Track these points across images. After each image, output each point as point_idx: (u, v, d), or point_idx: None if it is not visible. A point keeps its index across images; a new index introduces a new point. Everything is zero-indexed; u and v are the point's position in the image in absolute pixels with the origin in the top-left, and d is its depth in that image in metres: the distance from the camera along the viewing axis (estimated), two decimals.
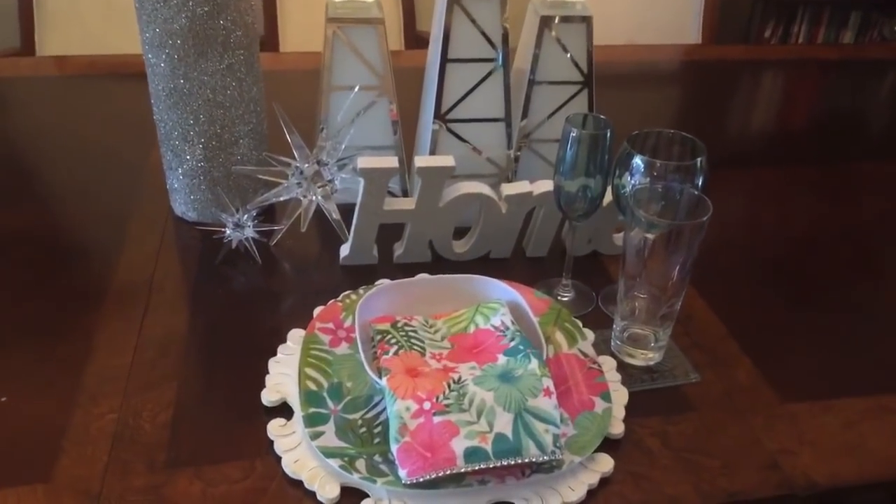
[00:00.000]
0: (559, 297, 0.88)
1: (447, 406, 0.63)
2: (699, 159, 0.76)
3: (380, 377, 0.67)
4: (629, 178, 0.78)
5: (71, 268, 0.90)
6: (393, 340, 0.71)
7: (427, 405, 0.63)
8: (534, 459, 0.62)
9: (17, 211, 1.00)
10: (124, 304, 0.84)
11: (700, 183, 0.77)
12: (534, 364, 0.67)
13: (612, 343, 0.81)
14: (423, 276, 0.88)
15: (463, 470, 0.61)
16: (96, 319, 0.82)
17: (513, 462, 0.61)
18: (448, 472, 0.60)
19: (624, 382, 0.76)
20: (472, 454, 0.61)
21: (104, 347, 0.78)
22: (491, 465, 0.61)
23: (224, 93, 0.90)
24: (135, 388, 0.74)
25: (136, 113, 1.15)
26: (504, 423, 0.62)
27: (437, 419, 0.62)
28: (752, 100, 1.54)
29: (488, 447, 0.61)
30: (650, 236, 0.73)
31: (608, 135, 0.78)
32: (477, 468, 0.61)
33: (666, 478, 0.67)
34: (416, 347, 0.70)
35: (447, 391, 0.64)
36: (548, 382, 0.65)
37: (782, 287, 0.93)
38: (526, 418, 0.63)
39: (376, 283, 0.87)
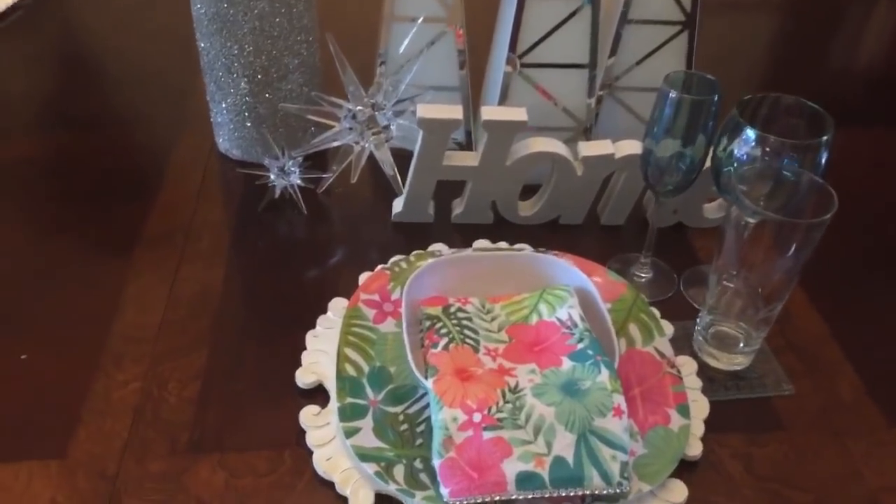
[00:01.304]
0: (636, 277, 0.77)
1: (500, 420, 0.55)
2: (825, 137, 0.63)
3: (426, 376, 0.58)
4: (735, 153, 0.66)
5: (104, 204, 0.84)
6: (444, 331, 0.62)
7: (477, 417, 0.55)
8: (596, 492, 0.53)
9: (48, 138, 0.94)
10: (158, 252, 0.78)
11: (822, 164, 0.64)
12: (604, 376, 0.57)
13: (694, 339, 0.71)
14: (481, 246, 0.78)
15: (514, 497, 0.53)
16: (127, 268, 0.76)
17: (572, 493, 0.53)
18: (496, 499, 0.53)
19: (705, 390, 0.66)
20: (525, 480, 0.53)
21: (133, 302, 0.72)
22: (546, 495, 0.53)
23: (272, 20, 0.80)
24: (162, 352, 0.68)
25: (181, 33, 1.05)
26: (565, 446, 0.54)
27: (487, 435, 0.54)
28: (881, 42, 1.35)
29: (545, 473, 0.53)
30: (752, 221, 0.62)
31: (715, 100, 0.65)
32: (530, 496, 0.53)
33: None
34: (469, 341, 0.62)
35: (501, 402, 0.56)
36: (619, 400, 0.56)
37: None
38: (591, 441, 0.54)
39: (430, 247, 0.78)
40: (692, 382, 0.66)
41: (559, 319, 0.64)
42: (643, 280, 0.78)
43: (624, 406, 0.56)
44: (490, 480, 0.53)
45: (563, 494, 0.53)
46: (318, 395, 0.64)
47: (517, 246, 0.79)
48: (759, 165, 0.65)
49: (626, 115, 0.89)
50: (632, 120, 0.89)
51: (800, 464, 0.62)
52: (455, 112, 0.75)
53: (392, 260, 0.76)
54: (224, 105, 0.86)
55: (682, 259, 0.80)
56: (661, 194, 0.72)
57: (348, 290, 0.72)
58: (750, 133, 0.64)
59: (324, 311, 0.71)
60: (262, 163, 0.83)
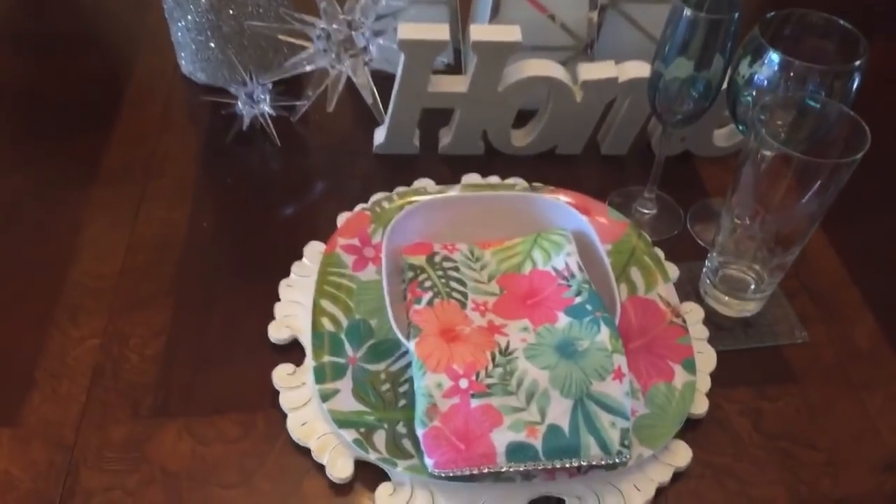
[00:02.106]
0: (638, 213, 0.71)
1: (489, 387, 0.50)
2: (858, 62, 0.56)
3: (409, 336, 0.53)
4: (756, 79, 0.58)
5: (55, 138, 0.76)
6: (428, 284, 0.56)
7: (464, 383, 0.50)
8: (594, 463, 0.49)
9: None
10: (117, 189, 0.71)
11: (853, 92, 0.57)
12: (604, 335, 0.52)
13: (701, 282, 0.65)
14: (470, 181, 0.72)
15: (503, 469, 0.48)
16: (82, 209, 0.69)
17: (567, 465, 0.49)
18: (485, 471, 0.48)
19: (711, 340, 0.61)
20: (516, 451, 0.48)
21: (90, 247, 0.66)
22: (539, 467, 0.48)
23: None
24: (123, 305, 0.62)
25: None
26: (560, 413, 0.49)
27: (475, 402, 0.49)
28: None
29: (538, 443, 0.48)
30: (769, 154, 0.55)
31: (735, 18, 0.57)
32: (521, 469, 0.48)
33: (754, 474, 0.55)
34: (455, 295, 0.56)
35: (490, 366, 0.51)
36: (620, 361, 0.51)
37: None
38: (588, 407, 0.50)
39: (415, 182, 0.71)
40: (698, 332, 0.61)
41: (555, 269, 0.58)
42: (647, 216, 0.71)
43: (625, 368, 0.51)
44: (478, 452, 0.48)
45: (559, 466, 0.49)
46: (293, 350, 0.59)
47: (510, 180, 0.72)
48: (782, 93, 0.57)
49: (632, 32, 0.80)
50: (639, 37, 0.80)
51: (812, 420, 0.58)
52: (440, 32, 0.66)
53: (373, 199, 0.69)
54: (183, 23, 0.77)
55: (690, 192, 0.74)
56: (668, 124, 0.64)
57: (326, 231, 0.65)
58: (773, 56, 0.57)
59: (299, 256, 0.65)
60: (229, 89, 0.75)
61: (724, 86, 0.62)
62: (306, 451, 0.53)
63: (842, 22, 0.58)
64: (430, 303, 0.55)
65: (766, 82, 0.58)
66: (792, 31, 0.60)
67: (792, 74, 0.57)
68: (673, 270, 0.66)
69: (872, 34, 0.57)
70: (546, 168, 0.75)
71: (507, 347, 0.52)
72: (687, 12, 0.57)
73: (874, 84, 0.62)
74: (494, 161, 0.75)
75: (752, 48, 0.58)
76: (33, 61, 0.85)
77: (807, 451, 0.56)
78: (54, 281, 0.63)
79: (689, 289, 0.65)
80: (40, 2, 0.94)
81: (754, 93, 0.59)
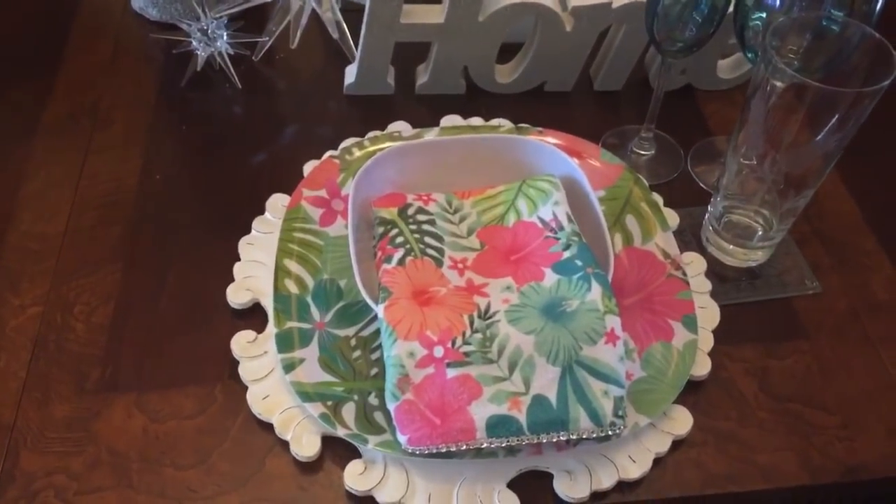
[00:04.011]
0: (635, 154, 0.65)
1: (467, 355, 0.44)
2: None
3: (378, 300, 0.47)
4: None
5: None
6: (399, 240, 0.50)
7: (439, 351, 0.44)
8: (584, 436, 0.44)
9: None
10: (61, 141, 0.65)
11: (877, 10, 0.50)
12: (595, 293, 0.46)
13: (704, 229, 0.60)
14: (449, 123, 0.65)
15: (484, 445, 0.43)
16: (24, 162, 0.63)
17: (555, 439, 0.44)
18: (463, 448, 0.43)
19: (714, 293, 0.56)
20: (498, 425, 0.43)
21: (31, 206, 0.60)
22: (524, 442, 0.44)
23: None
24: (67, 269, 0.56)
25: None
26: (546, 382, 0.44)
27: (451, 372, 0.44)
28: None
29: (521, 416, 0.43)
30: (781, 84, 0.49)
31: None
32: (504, 444, 0.44)
33: (761, 440, 0.50)
34: (430, 251, 0.50)
35: (469, 332, 0.45)
36: (613, 322, 0.46)
37: None
38: (578, 374, 0.44)
39: (389, 126, 0.65)
40: (700, 285, 0.56)
41: (541, 219, 0.52)
42: (644, 158, 0.65)
43: (619, 330, 0.46)
44: (455, 427, 0.43)
45: (545, 441, 0.44)
46: (255, 315, 0.54)
47: (494, 121, 0.66)
48: (796, 14, 0.51)
49: None
50: None
51: (825, 379, 0.53)
52: None
53: (343, 145, 0.63)
54: None
55: (690, 130, 0.68)
56: (668, 54, 0.58)
57: (292, 183, 0.59)
58: None
59: (261, 210, 0.59)
60: (181, 25, 0.68)
61: (731, 8, 0.55)
62: (269, 427, 0.48)
63: None
64: (401, 261, 0.49)
65: (777, 2, 0.51)
66: None
67: None
68: (673, 217, 0.60)
69: None
70: (534, 107, 0.68)
71: (488, 310, 0.47)
72: None
73: None
74: (477, 100, 0.69)
75: None
76: None
77: (819, 414, 0.51)
78: None
79: (689, 237, 0.60)
80: None
81: (765, 15, 0.52)
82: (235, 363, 0.51)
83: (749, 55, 0.56)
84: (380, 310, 0.47)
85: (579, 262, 0.48)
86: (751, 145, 0.52)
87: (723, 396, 0.52)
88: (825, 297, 0.57)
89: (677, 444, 0.49)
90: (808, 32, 0.51)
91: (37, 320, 0.54)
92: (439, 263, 0.50)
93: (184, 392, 0.50)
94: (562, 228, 0.51)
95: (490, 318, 0.46)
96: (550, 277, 0.48)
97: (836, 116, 0.47)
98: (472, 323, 0.46)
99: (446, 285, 0.48)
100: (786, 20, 0.50)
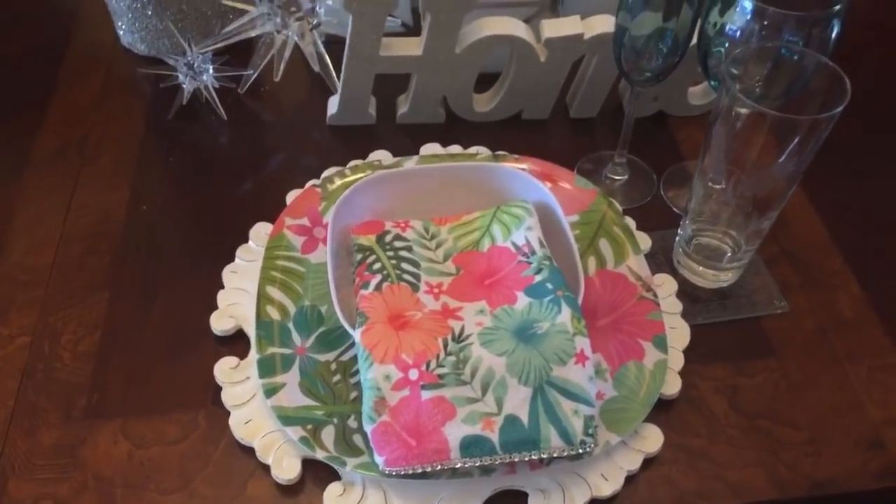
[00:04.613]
0: (609, 180, 0.67)
1: (441, 377, 0.46)
2: (837, 6, 0.51)
3: (355, 325, 0.49)
4: (727, 28, 0.54)
5: None
6: (377, 266, 0.52)
7: (414, 374, 0.46)
8: (556, 455, 0.45)
9: None
10: (51, 174, 0.66)
11: (833, 40, 0.52)
12: (565, 315, 0.48)
13: (675, 251, 0.61)
14: (429, 152, 0.67)
15: (458, 465, 0.45)
16: (13, 197, 0.65)
17: (527, 458, 0.45)
18: (438, 468, 0.45)
19: (685, 314, 0.57)
20: (471, 445, 0.45)
21: (21, 237, 0.62)
22: (497, 462, 0.45)
23: None
24: (55, 299, 0.58)
25: None
26: (518, 402, 0.46)
27: (426, 394, 0.45)
28: None
29: (494, 436, 0.45)
30: (742, 111, 0.50)
31: None
32: (477, 464, 0.45)
33: (731, 456, 0.51)
34: (406, 277, 0.52)
35: (442, 354, 0.47)
36: (582, 343, 0.47)
37: None
38: (549, 394, 0.46)
39: (371, 155, 0.67)
40: (671, 306, 0.57)
41: (515, 244, 0.54)
42: (618, 183, 0.67)
43: (588, 351, 0.47)
44: (430, 448, 0.45)
45: (518, 460, 0.45)
46: (238, 341, 0.55)
47: (472, 149, 0.68)
48: (756, 44, 0.53)
49: None
50: None
51: (794, 397, 0.54)
52: None
53: (325, 174, 0.65)
54: None
55: (663, 155, 0.70)
56: (637, 83, 0.60)
57: (276, 211, 0.61)
58: (745, 3, 0.52)
59: (245, 239, 0.61)
60: (168, 60, 0.70)
61: (695, 39, 0.57)
62: (251, 451, 0.50)
63: None
64: (378, 287, 0.51)
65: (738, 33, 0.53)
66: None
67: (766, 23, 0.52)
68: (645, 241, 0.62)
69: None
70: (512, 135, 0.70)
71: (462, 333, 0.48)
72: None
73: (856, 32, 0.57)
74: (456, 129, 0.71)
75: None
76: None
77: (787, 430, 0.53)
78: None
79: (662, 259, 0.61)
80: None
81: (726, 45, 0.54)
82: (218, 389, 0.52)
83: (713, 83, 0.58)
84: (357, 334, 0.48)
85: (550, 286, 0.50)
86: (716, 169, 0.54)
87: (693, 414, 0.53)
88: (793, 316, 0.59)
89: (649, 462, 0.50)
90: (767, 61, 0.53)
91: (25, 350, 0.55)
92: (415, 288, 0.52)
93: (168, 418, 0.52)
94: (534, 253, 0.52)
95: (463, 340, 0.48)
96: (522, 301, 0.50)
97: (796, 140, 0.49)
98: (445, 346, 0.47)
99: (422, 309, 0.50)
100: (744, 50, 0.52)
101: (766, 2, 0.51)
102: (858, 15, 0.57)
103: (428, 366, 0.46)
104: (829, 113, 0.47)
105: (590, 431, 0.46)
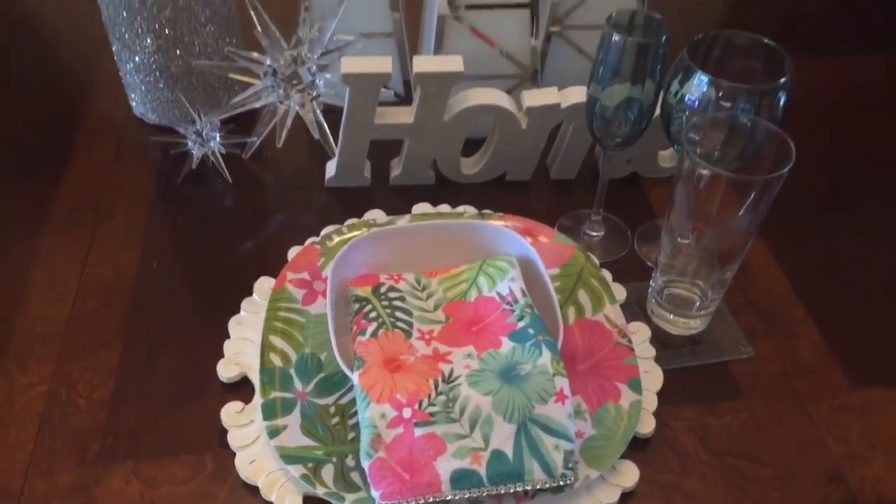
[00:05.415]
0: (587, 236, 0.72)
1: (432, 415, 0.50)
2: (783, 79, 0.57)
3: (353, 368, 0.53)
4: (686, 99, 0.60)
5: (5, 182, 0.76)
6: (373, 315, 0.57)
7: (407, 412, 0.50)
8: (538, 486, 0.49)
9: None
10: (67, 233, 0.71)
11: (781, 107, 0.59)
12: (545, 358, 0.53)
13: (648, 301, 0.66)
14: (420, 210, 0.72)
15: (449, 497, 0.49)
16: (32, 254, 0.69)
17: (512, 490, 0.49)
18: (430, 500, 0.48)
19: (658, 359, 0.62)
20: (461, 478, 0.49)
21: (39, 293, 0.66)
22: (484, 494, 0.49)
23: None
24: (72, 350, 0.62)
25: None
26: (503, 438, 0.50)
27: (419, 431, 0.50)
28: None
29: (482, 469, 0.49)
30: (706, 173, 0.56)
31: (662, 42, 0.59)
32: (467, 496, 0.49)
33: (703, 491, 0.55)
34: (400, 324, 0.57)
35: (433, 394, 0.51)
36: (562, 383, 0.52)
37: (870, 234, 0.74)
38: (531, 431, 0.50)
39: (366, 214, 0.72)
40: (645, 351, 0.62)
41: (499, 294, 0.58)
42: (595, 238, 0.72)
43: (567, 390, 0.52)
44: (422, 481, 0.48)
45: (503, 491, 0.49)
46: (243, 387, 0.59)
47: (460, 208, 0.73)
48: (712, 112, 0.59)
49: (577, 58, 0.82)
50: (584, 63, 0.82)
51: (760, 435, 0.58)
52: (383, 65, 0.67)
53: (324, 232, 0.70)
54: (132, 65, 0.78)
55: (637, 213, 0.75)
56: (608, 147, 0.66)
57: (278, 267, 0.66)
58: (701, 77, 0.58)
59: (249, 292, 0.65)
60: (178, 129, 0.76)
61: (658, 108, 0.63)
62: (256, 490, 0.53)
63: (767, 41, 0.60)
64: (374, 334, 0.55)
65: (696, 103, 0.59)
66: (720, 51, 0.62)
67: (721, 94, 0.58)
68: (620, 291, 0.66)
69: (796, 52, 0.59)
70: (497, 195, 0.76)
71: (451, 375, 0.53)
72: (615, 37, 0.58)
73: (802, 99, 0.63)
74: (445, 190, 0.76)
75: (682, 70, 0.60)
76: None
77: (754, 466, 0.57)
78: (2, 328, 0.63)
79: (637, 309, 0.66)
80: None
81: (686, 113, 0.60)
82: (224, 432, 0.56)
83: (676, 147, 0.64)
84: (355, 377, 0.52)
85: (532, 331, 0.55)
86: (681, 226, 0.59)
87: (667, 452, 0.57)
88: (758, 361, 0.63)
89: (626, 496, 0.54)
90: (723, 128, 0.59)
91: (43, 398, 0.59)
92: (408, 335, 0.56)
93: (177, 460, 0.55)
94: (517, 301, 0.57)
95: (453, 381, 0.52)
96: (507, 345, 0.55)
97: (750, 198, 0.55)
98: (436, 386, 0.51)
99: (414, 354, 0.54)
100: (701, 118, 0.58)
101: (721, 76, 0.58)
102: (803, 86, 0.64)
103: (420, 405, 0.50)
104: (777, 173, 0.53)
105: (570, 465, 0.50)
